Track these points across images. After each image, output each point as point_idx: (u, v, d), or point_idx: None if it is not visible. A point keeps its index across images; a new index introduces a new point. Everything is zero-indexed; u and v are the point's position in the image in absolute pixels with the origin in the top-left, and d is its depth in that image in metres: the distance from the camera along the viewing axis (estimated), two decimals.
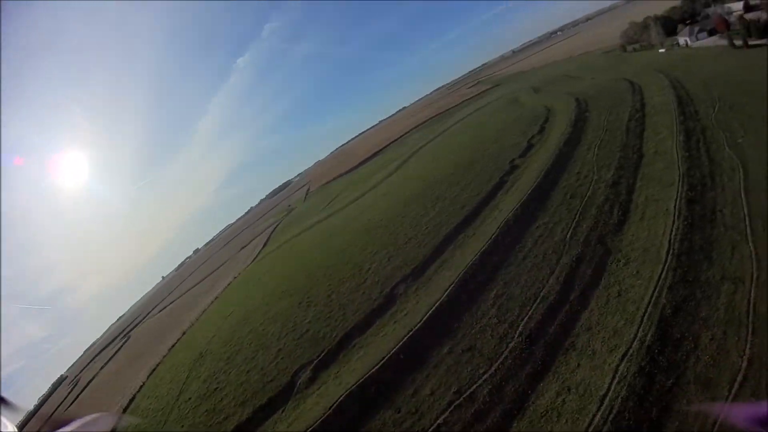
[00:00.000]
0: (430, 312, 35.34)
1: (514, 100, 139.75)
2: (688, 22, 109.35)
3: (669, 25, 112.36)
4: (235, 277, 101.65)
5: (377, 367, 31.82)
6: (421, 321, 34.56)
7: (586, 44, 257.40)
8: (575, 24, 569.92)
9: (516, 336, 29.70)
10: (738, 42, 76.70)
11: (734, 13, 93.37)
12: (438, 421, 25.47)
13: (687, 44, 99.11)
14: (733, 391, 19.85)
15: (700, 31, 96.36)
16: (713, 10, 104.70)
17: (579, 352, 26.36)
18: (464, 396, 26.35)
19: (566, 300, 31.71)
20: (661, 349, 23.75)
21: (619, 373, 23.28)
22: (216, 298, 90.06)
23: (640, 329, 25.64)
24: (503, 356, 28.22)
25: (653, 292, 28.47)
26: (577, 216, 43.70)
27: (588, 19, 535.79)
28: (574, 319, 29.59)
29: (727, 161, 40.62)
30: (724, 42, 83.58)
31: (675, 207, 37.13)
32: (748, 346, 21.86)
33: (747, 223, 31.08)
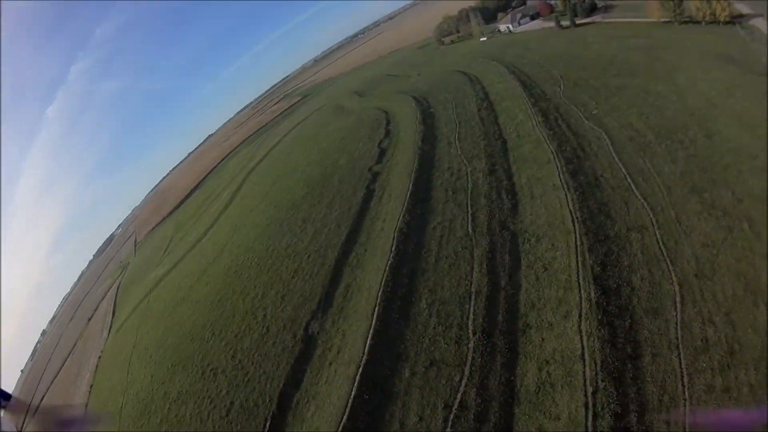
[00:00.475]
0: (368, 341, 37.82)
1: (340, 108, 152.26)
2: (509, 10, 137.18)
3: (486, 13, 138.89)
4: (99, 357, 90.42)
5: (345, 416, 33.05)
6: (364, 353, 36.79)
7: (395, 42, 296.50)
8: (377, 24, 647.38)
9: (471, 335, 34.46)
10: (565, 23, 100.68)
11: None
12: None
13: (510, 30, 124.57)
14: (678, 311, 28.54)
15: (523, 16, 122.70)
16: None
17: (536, 328, 32.50)
18: (455, 407, 29.78)
19: (499, 287, 38.08)
20: (607, 301, 31.53)
21: (584, 331, 30.00)
22: (91, 387, 78.46)
23: (582, 291, 33.17)
24: (470, 357, 32.60)
25: (577, 257, 36.73)
26: (470, 209, 51.75)
27: (390, 18, 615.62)
28: (515, 302, 35.95)
29: (590, 132, 53.78)
30: (549, 24, 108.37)
31: (561, 181, 47.59)
32: (672, 274, 31.17)
33: (629, 180, 42.45)
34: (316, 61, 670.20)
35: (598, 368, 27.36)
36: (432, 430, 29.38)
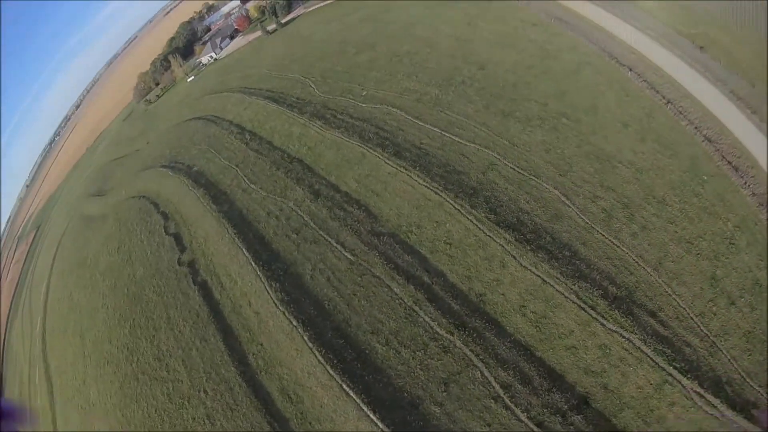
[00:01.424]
0: (373, 416, 36.22)
1: (87, 218, 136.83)
2: (203, 42, 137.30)
3: (183, 52, 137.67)
4: None
5: None
6: (381, 428, 35.60)
7: (95, 126, 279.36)
8: (67, 119, 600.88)
9: (451, 338, 37.29)
10: (271, 27, 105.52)
11: (239, 10, 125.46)
12: (524, 416, 32.05)
13: (215, 59, 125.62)
14: (571, 204, 38.74)
15: (222, 39, 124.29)
16: (217, 19, 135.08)
17: (490, 292, 37.95)
18: (503, 393, 33.21)
19: (427, 285, 41.62)
20: (521, 233, 39.14)
21: (528, 264, 37.07)
22: None
23: (497, 240, 39.80)
24: (468, 352, 35.84)
25: (468, 219, 42.67)
26: (329, 238, 51.75)
27: (77, 106, 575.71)
28: (452, 286, 40.36)
29: (377, 111, 59.47)
30: (255, 34, 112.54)
31: (393, 165, 52.08)
32: (544, 183, 41.65)
33: (448, 134, 50.05)
34: (28, 186, 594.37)
35: (563, 278, 35.02)
36: (505, 422, 32.40)
